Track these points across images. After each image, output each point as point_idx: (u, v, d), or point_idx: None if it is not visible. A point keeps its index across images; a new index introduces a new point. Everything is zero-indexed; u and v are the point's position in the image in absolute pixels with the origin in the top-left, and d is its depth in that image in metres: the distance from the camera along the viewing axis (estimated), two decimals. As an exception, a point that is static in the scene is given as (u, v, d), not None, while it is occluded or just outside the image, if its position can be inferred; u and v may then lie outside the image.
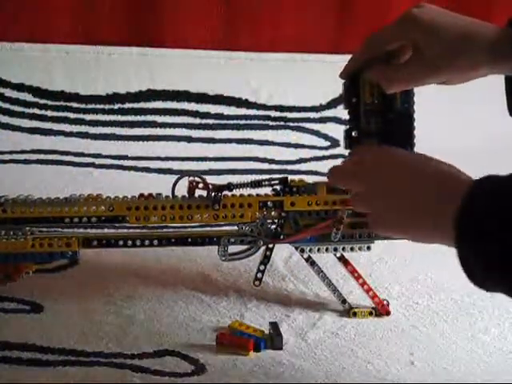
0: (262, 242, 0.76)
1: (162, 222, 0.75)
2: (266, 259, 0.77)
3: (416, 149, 0.75)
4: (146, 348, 0.69)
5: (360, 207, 0.58)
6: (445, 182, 0.52)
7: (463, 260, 0.49)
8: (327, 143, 1.34)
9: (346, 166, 0.62)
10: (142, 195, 0.76)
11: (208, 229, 0.77)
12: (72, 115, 1.27)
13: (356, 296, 0.81)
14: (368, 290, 0.78)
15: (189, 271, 0.87)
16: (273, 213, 0.76)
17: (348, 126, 0.76)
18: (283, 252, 0.89)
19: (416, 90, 0.72)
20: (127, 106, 1.29)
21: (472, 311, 0.80)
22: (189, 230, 0.77)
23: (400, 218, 0.54)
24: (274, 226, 0.76)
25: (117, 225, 0.80)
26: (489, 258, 0.47)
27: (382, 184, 0.56)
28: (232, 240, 0.76)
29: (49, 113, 1.26)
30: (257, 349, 0.69)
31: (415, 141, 0.75)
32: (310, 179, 0.79)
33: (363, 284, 0.78)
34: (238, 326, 0.73)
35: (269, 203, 0.75)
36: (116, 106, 1.28)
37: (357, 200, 0.58)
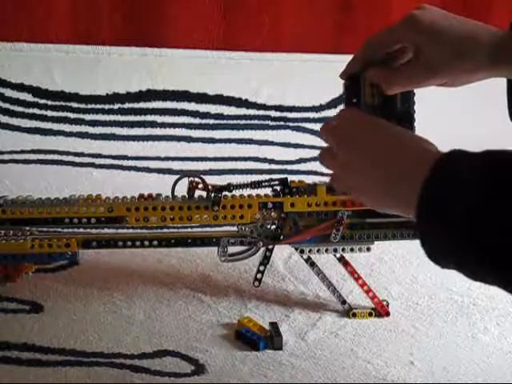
0: (261, 243, 0.76)
1: (162, 223, 0.75)
2: (265, 260, 0.77)
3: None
4: (146, 348, 0.69)
5: (333, 169, 0.59)
6: (416, 156, 0.52)
7: (422, 237, 0.49)
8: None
9: (329, 127, 0.62)
10: (141, 196, 0.76)
11: (208, 229, 0.77)
12: (72, 115, 1.26)
13: (356, 296, 0.81)
14: (368, 291, 0.78)
15: (189, 271, 0.87)
16: (272, 214, 0.76)
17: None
18: (283, 252, 0.89)
19: (416, 90, 0.72)
20: (127, 105, 1.29)
21: (472, 311, 0.80)
22: (188, 230, 0.77)
23: (374, 185, 0.55)
24: (273, 227, 0.76)
25: (116, 225, 0.80)
26: (443, 240, 0.47)
27: (357, 150, 0.56)
28: (232, 241, 0.76)
29: (49, 113, 1.26)
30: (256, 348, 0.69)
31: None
32: (309, 179, 0.79)
33: (363, 285, 0.78)
34: (247, 322, 0.73)
35: (268, 204, 0.75)
36: (116, 106, 1.28)
37: (334, 164, 0.59)
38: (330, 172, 0.59)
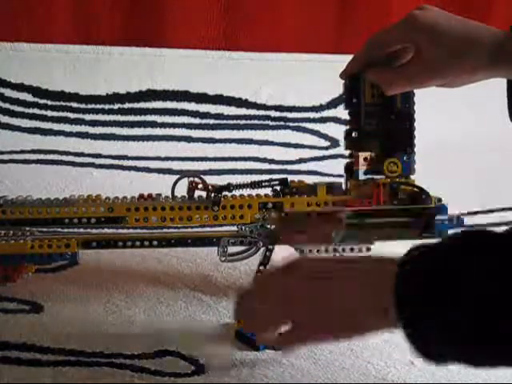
0: (261, 244, 0.76)
1: (162, 223, 0.75)
2: (265, 260, 0.77)
3: (417, 149, 0.76)
4: (146, 348, 0.69)
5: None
6: (373, 279, 0.51)
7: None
8: (327, 143, 1.34)
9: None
10: (141, 196, 0.76)
11: (208, 229, 0.77)
12: (72, 115, 1.26)
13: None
14: (368, 291, 0.78)
15: (189, 271, 0.87)
16: (272, 214, 0.76)
17: (348, 127, 0.76)
18: (283, 252, 0.89)
19: (416, 90, 0.72)
20: (127, 105, 1.29)
21: (472, 311, 0.80)
22: (188, 230, 0.77)
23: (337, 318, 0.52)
24: (273, 227, 0.76)
25: (116, 226, 0.80)
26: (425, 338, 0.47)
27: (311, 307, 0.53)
28: (232, 241, 0.76)
29: (49, 113, 1.26)
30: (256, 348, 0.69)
31: (415, 141, 0.75)
32: (309, 179, 0.79)
33: (363, 284, 0.78)
34: None
35: (268, 204, 0.75)
36: (116, 106, 1.28)
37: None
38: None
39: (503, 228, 0.48)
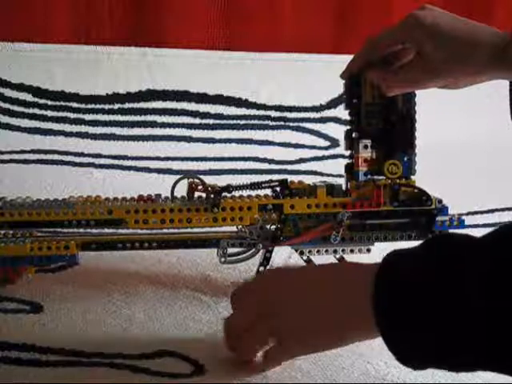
0: (261, 245, 0.76)
1: (161, 226, 0.75)
2: (265, 261, 0.77)
3: (417, 149, 0.76)
4: (146, 348, 0.69)
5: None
6: (348, 287, 0.52)
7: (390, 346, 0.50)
8: (327, 143, 1.34)
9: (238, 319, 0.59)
10: (141, 197, 0.76)
11: (207, 230, 0.77)
12: (72, 115, 1.27)
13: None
14: (368, 291, 0.77)
15: (189, 271, 0.87)
16: (272, 215, 0.76)
17: (349, 127, 0.76)
18: (283, 252, 0.89)
19: (417, 90, 0.72)
20: (127, 105, 1.29)
21: (472, 312, 0.80)
22: (188, 231, 0.77)
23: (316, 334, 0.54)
24: (273, 227, 0.76)
25: (116, 228, 0.80)
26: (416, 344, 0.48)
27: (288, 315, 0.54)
28: (231, 242, 0.76)
29: (49, 113, 1.26)
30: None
31: (416, 142, 0.75)
32: (309, 179, 0.79)
33: (363, 284, 0.78)
34: None
35: (268, 206, 0.75)
36: (116, 106, 1.28)
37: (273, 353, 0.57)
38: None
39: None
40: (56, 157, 1.21)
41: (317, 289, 0.53)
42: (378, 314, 0.48)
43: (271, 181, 0.76)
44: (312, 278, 0.54)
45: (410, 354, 0.48)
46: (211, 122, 1.33)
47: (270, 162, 1.28)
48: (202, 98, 1.33)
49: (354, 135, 0.75)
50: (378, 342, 0.73)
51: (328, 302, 0.52)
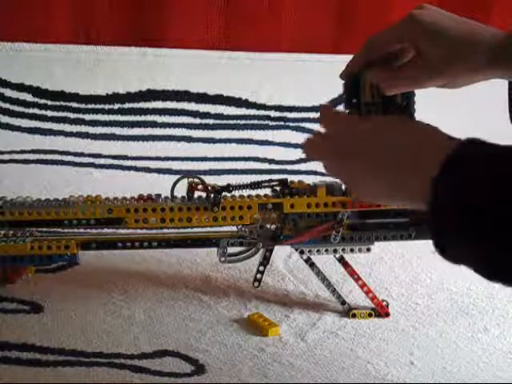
0: (261, 245, 0.76)
1: (161, 225, 0.75)
2: (265, 260, 0.77)
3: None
4: (146, 348, 0.69)
5: (324, 154, 0.57)
6: (423, 145, 0.51)
7: (432, 228, 0.47)
8: (327, 143, 1.34)
9: (316, 140, 0.60)
10: (141, 197, 0.76)
11: (207, 229, 0.77)
12: (72, 115, 1.27)
13: (355, 296, 0.81)
14: (368, 292, 0.77)
15: (189, 271, 0.87)
16: (272, 215, 0.76)
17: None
18: (283, 252, 0.89)
19: (417, 90, 0.72)
20: (127, 105, 1.29)
21: (472, 311, 0.80)
22: (188, 231, 0.77)
23: (377, 173, 0.52)
24: (273, 227, 0.76)
25: (116, 227, 0.80)
26: (458, 231, 0.45)
27: (359, 134, 0.54)
28: (231, 242, 0.76)
29: (49, 113, 1.26)
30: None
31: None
32: (309, 179, 0.79)
33: (363, 286, 0.78)
34: (257, 317, 0.74)
35: (268, 205, 0.75)
36: (116, 106, 1.28)
37: (331, 168, 0.57)
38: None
39: None
40: (56, 157, 1.21)
41: (389, 147, 0.52)
42: (435, 189, 0.46)
43: (271, 180, 0.76)
44: (388, 136, 0.53)
45: (447, 243, 0.46)
46: (211, 121, 1.33)
47: (270, 162, 1.28)
48: (202, 97, 1.33)
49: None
50: (377, 342, 0.73)
51: (395, 160, 0.51)
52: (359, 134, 0.55)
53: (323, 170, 0.58)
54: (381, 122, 0.56)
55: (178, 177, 0.75)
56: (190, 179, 0.75)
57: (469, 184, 0.45)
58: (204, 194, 0.75)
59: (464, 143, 0.48)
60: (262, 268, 0.77)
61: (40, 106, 1.26)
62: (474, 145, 0.48)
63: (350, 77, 0.71)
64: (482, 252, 0.45)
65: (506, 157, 0.45)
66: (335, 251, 0.77)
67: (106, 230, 0.79)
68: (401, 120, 0.56)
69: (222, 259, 0.76)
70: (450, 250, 0.47)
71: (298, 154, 1.31)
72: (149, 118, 1.30)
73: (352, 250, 0.77)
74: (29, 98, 1.25)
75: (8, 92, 1.24)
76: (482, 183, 0.45)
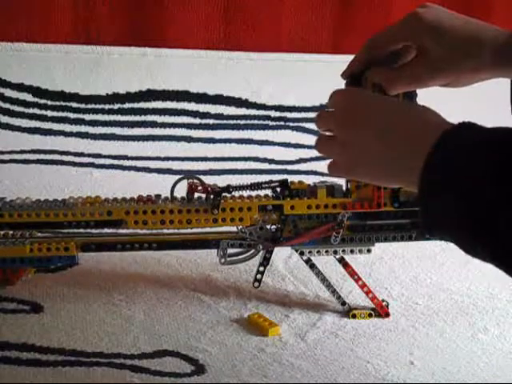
0: (261, 246, 0.76)
1: (161, 226, 0.75)
2: (265, 261, 0.77)
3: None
4: (146, 348, 0.69)
5: (332, 151, 0.58)
6: (417, 130, 0.51)
7: (422, 206, 0.48)
8: (327, 143, 1.34)
9: (325, 113, 0.62)
10: (140, 198, 0.76)
11: (208, 230, 0.77)
12: (72, 115, 1.26)
13: (356, 296, 0.81)
14: (368, 292, 0.77)
15: (189, 271, 0.87)
16: (273, 216, 0.76)
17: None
18: (283, 252, 0.89)
19: (418, 89, 0.72)
20: (127, 105, 1.29)
21: (472, 311, 0.80)
22: (188, 231, 0.77)
23: (376, 156, 0.54)
24: (274, 227, 0.76)
25: (115, 229, 0.80)
26: (445, 211, 0.46)
27: (358, 123, 0.55)
28: (231, 243, 0.76)
29: (49, 113, 1.26)
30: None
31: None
32: (309, 179, 0.79)
33: (363, 286, 0.78)
34: (257, 317, 0.74)
35: (268, 207, 0.75)
36: (116, 106, 1.28)
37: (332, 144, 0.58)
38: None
39: None
40: (56, 157, 1.21)
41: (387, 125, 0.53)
42: (424, 171, 0.47)
43: (271, 181, 0.76)
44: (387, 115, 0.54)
45: (437, 216, 0.47)
46: (211, 121, 1.32)
47: (270, 162, 1.28)
48: (202, 98, 1.33)
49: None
50: (377, 342, 0.73)
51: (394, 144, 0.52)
52: (370, 102, 0.57)
53: (323, 170, 0.58)
54: (385, 100, 0.58)
55: (177, 177, 0.75)
56: (190, 180, 0.75)
57: (461, 158, 0.46)
58: (204, 196, 0.75)
59: (461, 123, 0.49)
60: (262, 268, 0.77)
61: (40, 106, 1.25)
62: (471, 125, 0.49)
63: (352, 76, 0.71)
64: (469, 219, 0.45)
65: (503, 134, 0.46)
66: (335, 252, 0.77)
67: (105, 232, 0.79)
68: (403, 102, 0.58)
69: (222, 260, 0.76)
70: (436, 228, 0.48)
71: (298, 153, 1.31)
72: (149, 117, 1.30)
73: (352, 251, 0.77)
74: (29, 98, 1.25)
75: (8, 92, 1.24)
76: (475, 156, 0.45)
